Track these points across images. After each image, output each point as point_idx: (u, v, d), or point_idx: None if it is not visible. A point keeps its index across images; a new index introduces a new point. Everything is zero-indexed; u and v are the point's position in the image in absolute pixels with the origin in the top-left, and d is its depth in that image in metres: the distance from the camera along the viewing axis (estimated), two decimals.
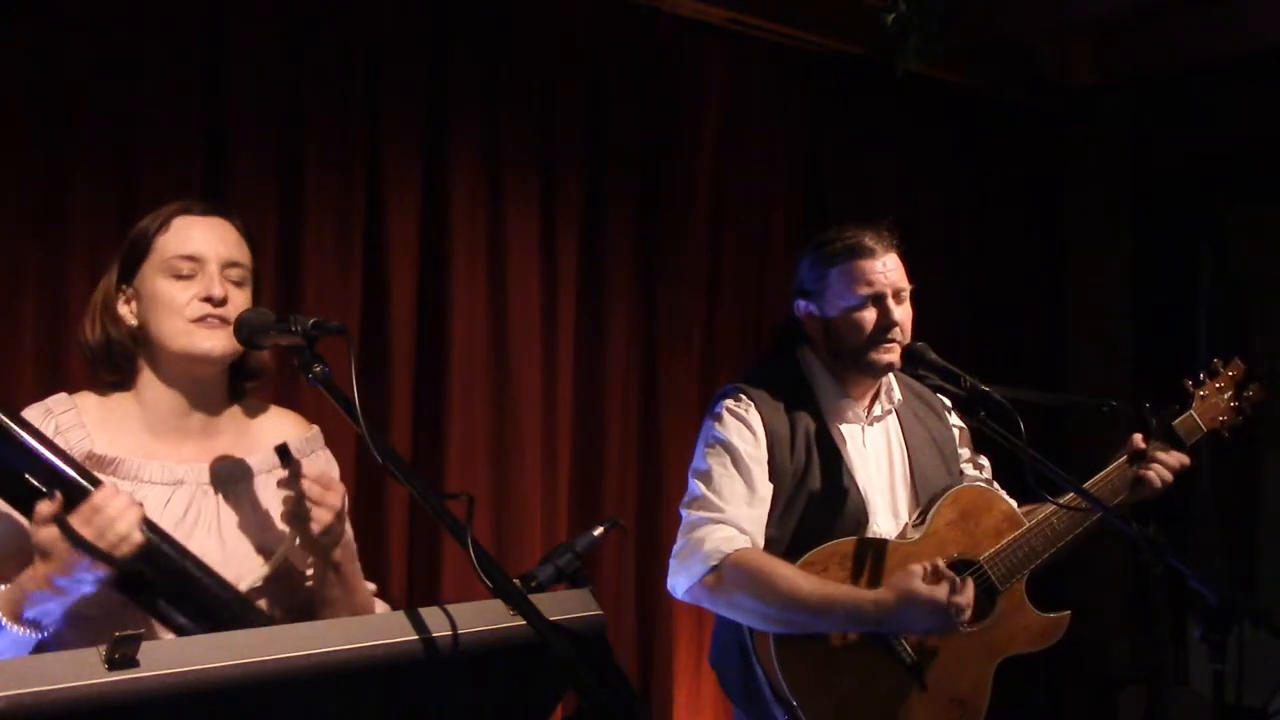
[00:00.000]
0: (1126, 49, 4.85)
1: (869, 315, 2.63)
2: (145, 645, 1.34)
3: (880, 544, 2.65)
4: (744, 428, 2.65)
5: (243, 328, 1.88)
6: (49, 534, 1.69)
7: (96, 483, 1.74)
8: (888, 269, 2.64)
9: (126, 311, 1.94)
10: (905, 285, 2.67)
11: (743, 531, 2.58)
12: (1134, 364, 5.10)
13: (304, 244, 3.20)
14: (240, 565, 1.91)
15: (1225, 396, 2.92)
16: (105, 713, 1.30)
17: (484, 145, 3.54)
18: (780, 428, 2.66)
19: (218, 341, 1.91)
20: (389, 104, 3.35)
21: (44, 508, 1.69)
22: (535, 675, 1.69)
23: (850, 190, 4.51)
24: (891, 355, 2.64)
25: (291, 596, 1.96)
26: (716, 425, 2.67)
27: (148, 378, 1.95)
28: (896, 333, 2.64)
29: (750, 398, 2.68)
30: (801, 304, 2.72)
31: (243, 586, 1.88)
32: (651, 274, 3.94)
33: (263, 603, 1.92)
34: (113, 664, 1.31)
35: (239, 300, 1.94)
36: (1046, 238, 5.18)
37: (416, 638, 1.53)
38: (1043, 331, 5.15)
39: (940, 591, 2.52)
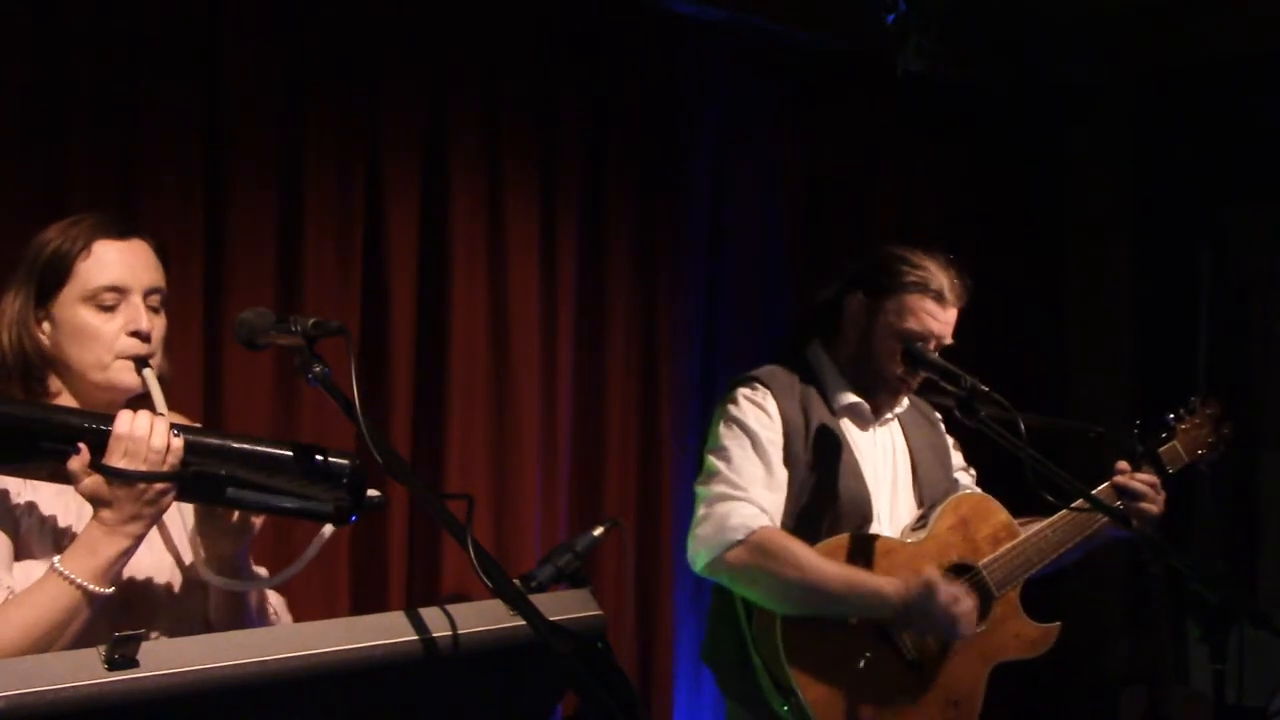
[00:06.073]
0: (1126, 49, 4.85)
1: None
2: (145, 645, 1.34)
3: (885, 542, 2.68)
4: (762, 413, 2.67)
5: (242, 328, 1.87)
6: (94, 483, 1.68)
7: (109, 418, 1.72)
8: (946, 321, 2.72)
9: (41, 333, 1.90)
10: (949, 340, 2.74)
11: (763, 511, 2.60)
12: (1135, 364, 5.09)
13: (304, 244, 3.20)
14: (170, 575, 1.92)
15: (1204, 432, 3.04)
16: (105, 713, 1.30)
17: (484, 145, 3.54)
18: (795, 418, 2.69)
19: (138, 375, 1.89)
20: (389, 104, 3.35)
21: (75, 464, 1.68)
22: (535, 675, 1.69)
23: (850, 190, 4.51)
24: (911, 386, 2.75)
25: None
26: (734, 409, 2.69)
27: (63, 398, 1.92)
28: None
29: (766, 386, 2.70)
30: (861, 297, 2.73)
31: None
32: (651, 274, 3.94)
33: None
34: (113, 664, 1.31)
35: (159, 328, 1.93)
36: (1046, 238, 5.18)
37: (416, 638, 1.53)
38: (1042, 332, 5.14)
39: (958, 592, 2.58)
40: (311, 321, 1.77)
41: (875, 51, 4.13)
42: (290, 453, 1.78)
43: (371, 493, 1.80)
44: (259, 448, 1.78)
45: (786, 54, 4.28)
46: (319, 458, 1.78)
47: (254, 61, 3.10)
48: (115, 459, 1.68)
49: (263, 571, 2.03)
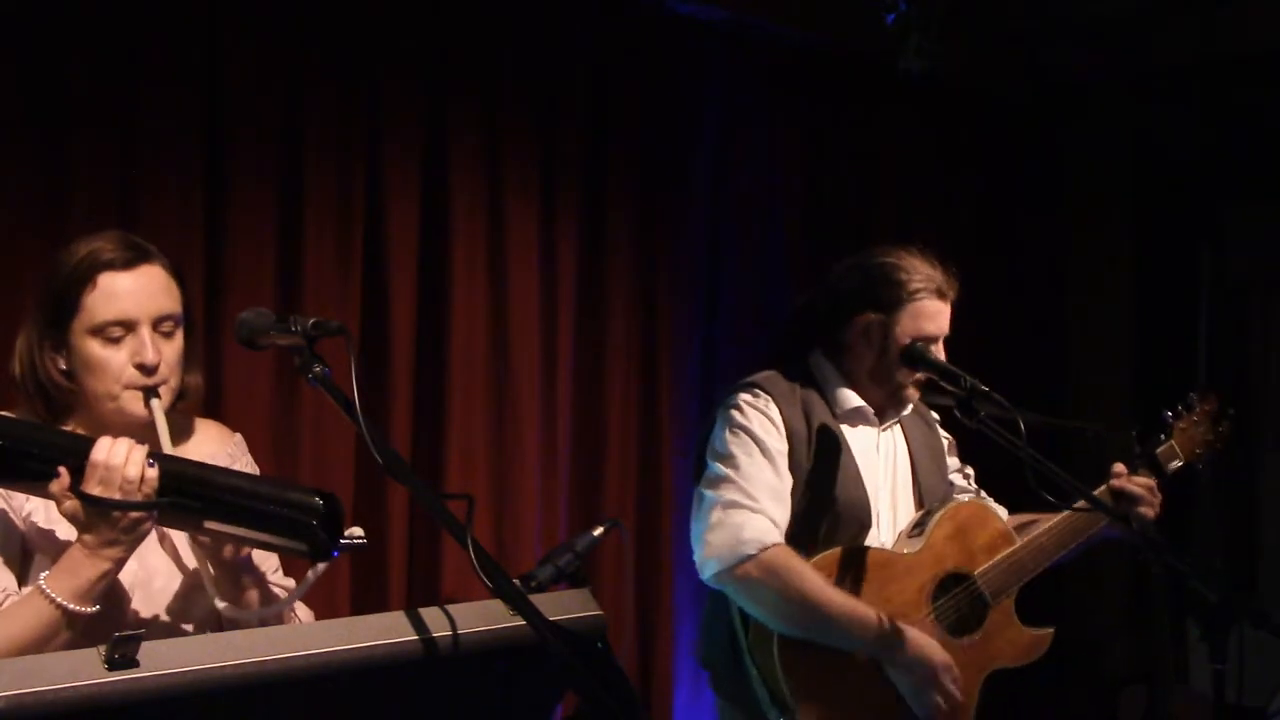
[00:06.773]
0: (1126, 49, 4.85)
1: None
2: (145, 645, 1.34)
3: (881, 554, 2.67)
4: (766, 420, 2.66)
5: (242, 328, 1.88)
6: (74, 507, 1.70)
7: (91, 443, 1.73)
8: (946, 318, 2.73)
9: (59, 359, 1.92)
10: (947, 333, 2.75)
11: (775, 525, 2.59)
12: (1134, 364, 5.10)
13: (304, 244, 3.20)
14: (174, 578, 1.93)
15: (1201, 430, 3.03)
16: (105, 713, 1.30)
17: (484, 145, 3.54)
18: (798, 425, 2.67)
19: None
20: (389, 104, 3.35)
21: (55, 487, 1.70)
22: (535, 675, 1.69)
23: (850, 190, 4.51)
24: (919, 389, 2.75)
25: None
26: (737, 415, 2.67)
27: (82, 423, 1.93)
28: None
29: (768, 393, 2.69)
30: (871, 315, 2.70)
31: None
32: (651, 274, 3.94)
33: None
34: (113, 664, 1.31)
35: (171, 356, 1.93)
36: (1046, 237, 5.18)
37: (416, 638, 1.53)
38: (1043, 331, 5.14)
39: (954, 677, 2.60)
40: (311, 321, 1.77)
41: (875, 52, 4.14)
42: (267, 488, 1.80)
43: (353, 530, 1.81)
44: (235, 481, 1.79)
45: (787, 55, 4.28)
46: (293, 494, 1.79)
47: (254, 61, 3.10)
48: (91, 486, 1.70)
49: (289, 583, 2.04)
